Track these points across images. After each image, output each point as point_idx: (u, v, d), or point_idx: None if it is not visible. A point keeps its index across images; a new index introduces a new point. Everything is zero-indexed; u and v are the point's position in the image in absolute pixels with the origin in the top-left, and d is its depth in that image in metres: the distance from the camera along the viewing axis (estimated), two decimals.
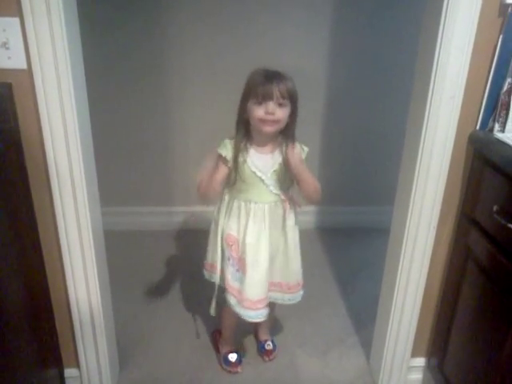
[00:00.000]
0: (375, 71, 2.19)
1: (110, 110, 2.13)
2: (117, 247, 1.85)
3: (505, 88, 1.05)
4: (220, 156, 1.24)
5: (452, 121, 1.09)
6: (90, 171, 1.16)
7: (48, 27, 0.96)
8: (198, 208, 2.24)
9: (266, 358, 1.55)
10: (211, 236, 1.37)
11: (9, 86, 1.00)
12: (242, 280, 1.30)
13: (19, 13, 0.95)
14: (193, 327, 1.68)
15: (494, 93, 1.07)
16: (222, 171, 1.25)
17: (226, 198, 1.31)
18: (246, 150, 1.24)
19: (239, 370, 1.50)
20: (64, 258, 1.18)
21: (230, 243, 1.30)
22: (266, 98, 1.16)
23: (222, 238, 1.32)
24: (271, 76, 1.18)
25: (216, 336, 1.60)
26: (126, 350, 1.53)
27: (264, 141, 1.26)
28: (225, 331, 1.52)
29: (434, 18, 1.03)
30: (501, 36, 1.02)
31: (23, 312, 1.13)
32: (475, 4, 0.99)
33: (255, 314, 1.31)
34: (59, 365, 1.33)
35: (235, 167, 1.23)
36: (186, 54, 2.10)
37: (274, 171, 1.26)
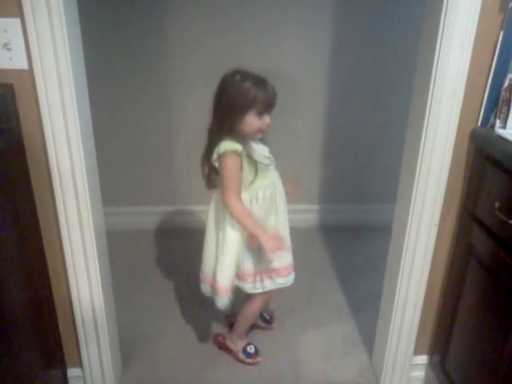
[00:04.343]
0: (376, 69, 2.19)
1: (111, 110, 2.13)
2: (118, 247, 1.85)
3: (506, 84, 1.05)
4: (234, 153, 1.22)
5: (453, 118, 1.09)
6: (91, 171, 1.16)
7: (49, 28, 0.96)
8: (200, 207, 2.24)
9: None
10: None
11: (10, 87, 1.01)
12: (270, 258, 1.33)
13: (20, 14, 0.95)
14: (194, 327, 1.68)
15: (495, 89, 1.07)
16: (238, 171, 1.25)
17: (248, 198, 1.30)
18: (249, 143, 1.26)
19: (260, 359, 1.54)
20: (66, 258, 1.19)
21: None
22: (266, 110, 1.22)
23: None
24: (264, 84, 1.21)
25: (219, 339, 1.60)
26: (128, 349, 1.53)
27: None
28: (242, 328, 1.53)
29: (435, 15, 1.03)
30: (501, 32, 1.02)
31: (26, 312, 1.13)
32: (476, 0, 0.98)
33: (293, 277, 1.41)
34: (62, 364, 1.34)
35: (252, 161, 1.24)
36: (188, 55, 2.10)
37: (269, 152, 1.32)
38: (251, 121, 1.22)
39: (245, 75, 1.21)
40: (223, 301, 1.36)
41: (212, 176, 1.31)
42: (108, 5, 2.00)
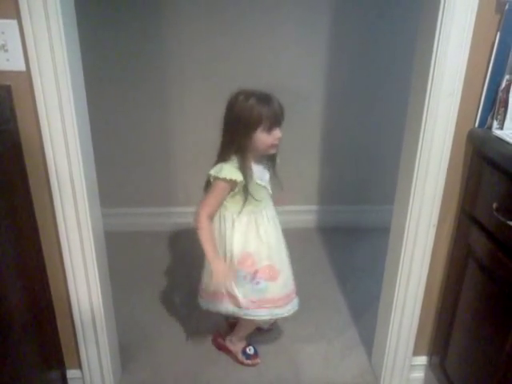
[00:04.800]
0: (375, 71, 2.19)
1: (109, 111, 2.13)
2: (117, 248, 1.85)
3: (503, 85, 1.05)
4: (229, 181, 1.24)
5: (450, 118, 1.09)
6: (89, 172, 1.16)
7: (46, 29, 0.96)
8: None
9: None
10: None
11: (8, 88, 1.01)
12: (266, 288, 1.35)
13: (17, 15, 0.95)
14: (194, 328, 1.68)
15: (493, 90, 1.07)
16: (224, 197, 1.29)
17: (228, 219, 1.32)
18: (251, 168, 1.28)
19: (259, 360, 1.54)
20: (65, 260, 1.19)
21: (247, 261, 1.33)
22: (275, 124, 1.24)
23: (233, 260, 1.34)
24: (268, 100, 1.23)
25: (218, 340, 1.60)
26: (128, 350, 1.53)
27: (260, 157, 1.32)
28: (243, 333, 1.53)
29: (432, 16, 1.03)
30: (498, 33, 1.02)
31: (25, 314, 1.13)
32: (472, 1, 0.99)
33: (292, 306, 1.40)
34: (61, 366, 1.34)
35: (246, 187, 1.27)
36: (186, 56, 2.10)
37: (270, 177, 1.35)
38: (261, 138, 1.24)
39: (248, 94, 1.23)
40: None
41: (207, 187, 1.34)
42: (105, 6, 2.00)
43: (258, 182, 1.31)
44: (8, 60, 0.99)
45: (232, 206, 1.31)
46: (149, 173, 2.31)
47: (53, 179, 1.10)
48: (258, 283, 1.35)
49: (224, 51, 2.08)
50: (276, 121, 1.24)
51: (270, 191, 1.37)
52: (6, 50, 0.98)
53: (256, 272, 1.34)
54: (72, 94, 1.03)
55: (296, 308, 1.42)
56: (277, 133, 1.25)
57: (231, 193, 1.29)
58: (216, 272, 1.29)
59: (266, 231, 1.34)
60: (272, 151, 1.30)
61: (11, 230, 1.06)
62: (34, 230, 1.15)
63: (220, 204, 1.30)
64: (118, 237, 2.10)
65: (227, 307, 1.39)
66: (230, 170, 1.24)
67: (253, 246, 1.33)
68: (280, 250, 1.40)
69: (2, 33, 0.96)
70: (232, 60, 2.09)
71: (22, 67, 1.00)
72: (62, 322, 1.28)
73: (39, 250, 1.17)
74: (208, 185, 1.32)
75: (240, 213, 1.31)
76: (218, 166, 1.26)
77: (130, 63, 2.10)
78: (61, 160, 1.08)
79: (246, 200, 1.29)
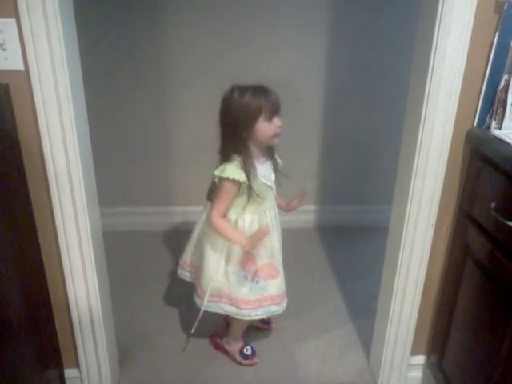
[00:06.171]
0: (373, 71, 2.19)
1: (108, 110, 2.13)
2: (116, 248, 1.85)
3: (501, 85, 1.05)
4: (233, 181, 1.24)
5: (449, 118, 1.09)
6: (88, 172, 1.16)
7: (44, 28, 0.96)
8: (196, 208, 2.24)
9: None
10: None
11: (6, 87, 1.00)
12: (265, 286, 1.36)
13: (16, 14, 0.95)
14: (192, 328, 1.68)
15: (491, 90, 1.07)
16: (233, 196, 1.29)
17: (232, 219, 1.32)
18: (254, 166, 1.28)
19: (257, 360, 1.54)
20: (63, 259, 1.18)
21: (248, 261, 1.34)
22: (274, 113, 1.24)
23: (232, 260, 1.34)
24: (264, 91, 1.24)
25: (216, 340, 1.60)
26: (126, 350, 1.53)
27: (263, 152, 1.32)
28: (237, 333, 1.53)
29: (430, 16, 1.03)
30: (497, 33, 1.02)
31: (23, 313, 1.13)
32: (471, 1, 0.99)
33: (286, 302, 1.43)
34: (59, 365, 1.34)
35: (250, 186, 1.27)
36: (185, 56, 2.10)
37: (275, 176, 1.35)
38: (263, 127, 1.24)
39: (242, 89, 1.23)
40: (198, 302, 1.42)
41: (213, 188, 1.34)
42: (104, 5, 1.99)
43: (264, 181, 1.30)
44: (6, 59, 0.98)
45: (236, 205, 1.31)
46: (147, 172, 2.31)
47: (51, 178, 1.09)
48: (257, 282, 1.35)
49: (222, 51, 2.08)
50: (275, 109, 1.24)
51: (275, 193, 1.37)
52: (5, 49, 0.97)
53: (256, 271, 1.34)
54: (70, 93, 1.02)
55: (286, 304, 1.44)
56: (277, 121, 1.25)
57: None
58: (246, 246, 1.29)
59: (273, 229, 1.35)
60: (275, 141, 1.29)
61: (9, 229, 1.05)
62: (33, 229, 1.15)
63: (230, 203, 1.30)
64: (116, 236, 2.10)
65: (224, 308, 1.39)
66: (233, 170, 1.24)
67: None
68: (280, 250, 1.40)
69: (1, 32, 0.96)
70: (231, 60, 2.09)
71: (20, 66, 0.99)
72: (59, 321, 1.28)
73: (37, 250, 1.17)
74: (214, 186, 1.33)
75: (243, 212, 1.31)
76: (222, 166, 1.26)
77: (129, 63, 2.09)
78: (59, 159, 1.07)
79: (249, 198, 1.28)
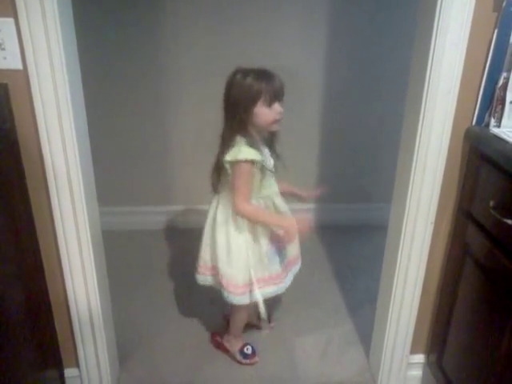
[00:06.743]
0: (373, 70, 2.19)
1: (107, 109, 2.13)
2: (116, 247, 1.85)
3: (500, 83, 1.05)
4: (251, 161, 1.21)
5: (448, 116, 1.09)
6: (87, 171, 1.16)
7: (43, 27, 0.96)
8: (197, 207, 2.25)
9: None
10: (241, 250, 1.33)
11: (5, 87, 1.00)
12: (287, 252, 1.40)
13: (14, 13, 0.95)
14: (192, 327, 1.68)
15: (490, 88, 1.07)
16: (252, 178, 1.26)
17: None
18: (260, 146, 1.27)
19: (257, 359, 1.53)
20: (62, 258, 1.18)
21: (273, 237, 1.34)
22: (275, 99, 1.22)
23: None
24: (267, 75, 1.22)
25: (216, 339, 1.59)
26: (126, 349, 1.53)
27: (262, 138, 1.30)
28: (236, 330, 1.53)
29: (429, 14, 1.03)
30: (496, 30, 1.02)
31: (22, 313, 1.13)
32: None
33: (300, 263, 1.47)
34: (59, 365, 1.34)
35: (262, 171, 1.25)
36: (184, 55, 2.10)
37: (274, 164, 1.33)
38: (262, 112, 1.22)
39: (246, 72, 1.22)
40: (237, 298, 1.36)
41: (221, 177, 1.30)
42: (103, 4, 1.99)
43: (268, 163, 1.28)
44: (5, 58, 0.98)
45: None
46: (147, 171, 2.31)
47: (50, 178, 1.09)
48: (284, 249, 1.38)
49: (222, 50, 2.08)
50: (276, 95, 1.22)
51: (274, 179, 1.35)
52: (3, 49, 0.97)
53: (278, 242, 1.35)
54: (69, 93, 1.02)
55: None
56: (277, 107, 1.23)
57: None
58: (291, 228, 1.25)
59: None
60: (275, 127, 1.27)
61: (8, 229, 1.05)
62: (32, 229, 1.15)
63: (250, 186, 1.25)
64: (115, 235, 2.10)
65: (267, 290, 1.36)
66: (248, 151, 1.20)
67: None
68: None
69: None
70: (230, 58, 2.06)
71: (18, 65, 0.99)
72: (59, 320, 1.28)
73: (37, 249, 1.17)
74: (218, 176, 1.29)
75: (255, 196, 1.29)
76: (235, 148, 1.22)
77: (128, 61, 2.09)
78: (58, 159, 1.07)
79: (262, 180, 1.26)
